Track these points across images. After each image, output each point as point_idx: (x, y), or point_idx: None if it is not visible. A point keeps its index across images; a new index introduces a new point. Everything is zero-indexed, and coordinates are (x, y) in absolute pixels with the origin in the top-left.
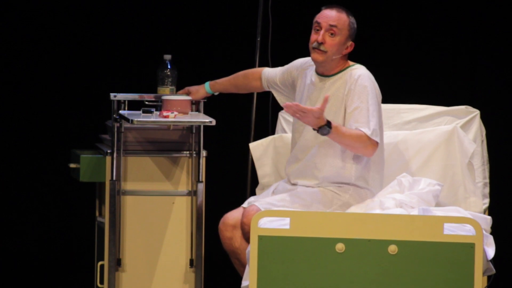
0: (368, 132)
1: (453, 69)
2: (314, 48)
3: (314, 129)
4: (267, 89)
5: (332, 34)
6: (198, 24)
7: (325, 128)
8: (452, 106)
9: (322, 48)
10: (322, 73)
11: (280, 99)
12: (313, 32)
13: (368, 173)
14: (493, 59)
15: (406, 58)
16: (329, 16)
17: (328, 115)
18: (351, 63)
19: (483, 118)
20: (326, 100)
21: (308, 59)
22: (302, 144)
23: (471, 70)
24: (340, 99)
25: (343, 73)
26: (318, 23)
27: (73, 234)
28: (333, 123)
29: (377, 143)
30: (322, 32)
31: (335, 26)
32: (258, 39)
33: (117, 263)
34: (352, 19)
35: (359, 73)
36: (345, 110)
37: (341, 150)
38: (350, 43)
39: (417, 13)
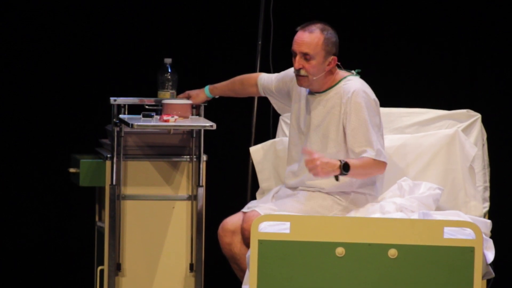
0: (372, 154)
1: (454, 72)
2: (296, 75)
3: (335, 177)
4: (263, 95)
5: (307, 59)
6: (199, 27)
7: (343, 172)
8: (453, 110)
9: (302, 73)
10: (314, 91)
11: (277, 105)
12: (293, 58)
13: (370, 179)
14: (494, 63)
15: (407, 62)
16: (300, 42)
17: (330, 134)
18: (342, 74)
19: (484, 121)
20: (309, 153)
21: None
22: (302, 158)
23: (472, 73)
24: (337, 117)
25: (336, 88)
26: (293, 51)
27: (72, 238)
28: (348, 162)
29: (385, 162)
30: (297, 59)
31: (307, 53)
32: (259, 42)
33: (117, 267)
34: (329, 34)
35: (353, 88)
36: (344, 129)
37: None
38: (331, 58)
39: (418, 16)
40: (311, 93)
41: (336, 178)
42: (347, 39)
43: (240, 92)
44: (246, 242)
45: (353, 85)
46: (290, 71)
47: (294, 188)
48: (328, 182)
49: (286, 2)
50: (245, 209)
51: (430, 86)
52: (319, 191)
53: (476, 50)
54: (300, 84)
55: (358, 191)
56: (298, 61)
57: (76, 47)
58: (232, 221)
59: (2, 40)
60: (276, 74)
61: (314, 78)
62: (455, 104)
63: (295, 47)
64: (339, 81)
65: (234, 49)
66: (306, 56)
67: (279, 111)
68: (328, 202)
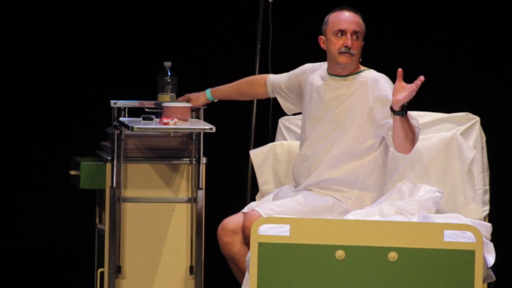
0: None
1: (453, 75)
2: (342, 52)
3: (396, 111)
4: (271, 95)
5: (357, 37)
6: (199, 30)
7: (404, 108)
8: (452, 113)
9: (351, 51)
10: (338, 74)
11: (285, 104)
12: (334, 37)
13: (372, 176)
14: (494, 66)
15: (406, 64)
16: (351, 21)
17: (351, 114)
18: (362, 67)
19: (483, 124)
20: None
21: (317, 63)
22: (313, 139)
23: (471, 76)
24: (363, 99)
25: (360, 74)
26: (342, 30)
27: (73, 240)
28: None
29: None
30: (349, 36)
31: (358, 31)
32: (258, 45)
33: (117, 270)
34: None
35: (378, 74)
36: (370, 107)
37: (350, 151)
38: (363, 42)
39: (418, 16)
40: (333, 76)
41: (398, 111)
42: None
43: (246, 93)
44: (247, 241)
45: (377, 73)
46: (304, 67)
47: (299, 178)
48: (336, 171)
49: (285, 4)
50: (245, 210)
51: (429, 88)
52: (322, 189)
53: (476, 51)
54: (344, 61)
55: (361, 187)
56: (350, 38)
57: (76, 48)
58: (232, 221)
59: (2, 40)
60: (286, 73)
61: (360, 60)
62: (454, 107)
63: (347, 26)
64: (363, 70)
65: (233, 52)
66: (356, 34)
67: (286, 111)
68: (329, 204)
